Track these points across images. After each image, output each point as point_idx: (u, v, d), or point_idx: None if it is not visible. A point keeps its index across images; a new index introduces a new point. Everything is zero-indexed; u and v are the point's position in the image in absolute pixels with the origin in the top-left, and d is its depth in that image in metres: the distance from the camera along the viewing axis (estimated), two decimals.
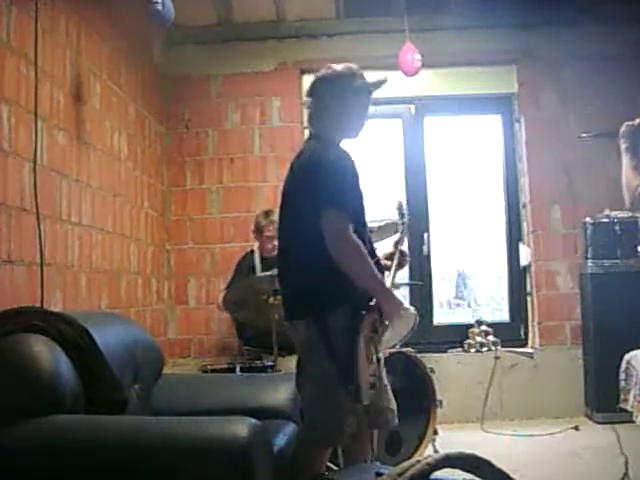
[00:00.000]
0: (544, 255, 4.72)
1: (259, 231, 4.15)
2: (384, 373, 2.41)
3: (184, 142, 4.83)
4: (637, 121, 2.41)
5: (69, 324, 2.02)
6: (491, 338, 4.62)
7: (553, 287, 4.69)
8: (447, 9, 4.60)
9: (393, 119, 4.98)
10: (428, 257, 4.89)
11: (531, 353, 4.59)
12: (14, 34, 2.65)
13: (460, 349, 4.66)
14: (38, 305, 2.65)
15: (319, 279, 2.19)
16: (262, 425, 1.77)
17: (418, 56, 4.22)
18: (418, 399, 3.40)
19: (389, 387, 2.42)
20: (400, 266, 2.56)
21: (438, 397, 3.45)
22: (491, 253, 5.53)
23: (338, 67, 2.39)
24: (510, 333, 4.81)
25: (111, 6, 3.71)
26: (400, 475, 1.45)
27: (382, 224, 3.08)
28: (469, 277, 6.20)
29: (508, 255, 4.96)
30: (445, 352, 4.62)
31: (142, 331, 2.78)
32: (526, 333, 4.84)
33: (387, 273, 2.48)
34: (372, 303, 2.21)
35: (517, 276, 4.91)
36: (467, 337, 4.67)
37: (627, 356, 3.09)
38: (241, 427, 1.70)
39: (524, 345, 4.77)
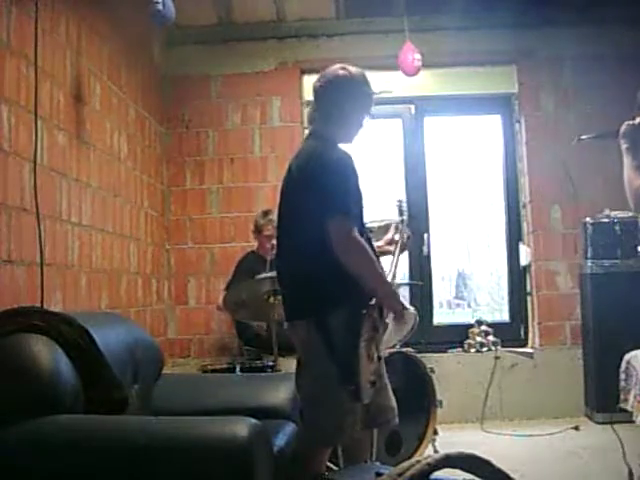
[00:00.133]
0: (544, 255, 4.72)
1: (258, 231, 4.15)
2: (385, 372, 2.41)
3: (184, 142, 4.83)
4: (637, 120, 2.40)
5: (69, 324, 2.02)
6: (491, 338, 4.62)
7: (553, 287, 4.69)
8: (447, 9, 4.59)
9: (393, 119, 4.98)
10: (428, 257, 4.89)
11: (531, 353, 4.59)
12: (14, 34, 2.65)
13: (460, 349, 4.67)
14: (38, 305, 2.65)
15: (319, 279, 2.19)
16: (262, 425, 1.77)
17: (418, 56, 4.22)
18: (418, 399, 3.39)
19: (389, 386, 2.42)
20: (403, 249, 2.57)
21: (438, 397, 3.45)
22: (491, 253, 5.54)
23: (352, 70, 2.39)
24: (510, 333, 4.81)
25: (111, 6, 3.71)
26: (400, 475, 1.45)
27: (382, 224, 3.08)
28: (469, 277, 6.20)
29: (508, 255, 4.96)
30: (445, 352, 4.62)
31: (142, 331, 2.78)
32: (526, 333, 4.84)
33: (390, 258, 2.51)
34: (372, 302, 2.22)
35: (517, 276, 4.91)
36: (467, 337, 4.67)
37: (627, 356, 3.09)
38: (241, 427, 1.70)
39: (524, 345, 4.77)
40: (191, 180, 4.82)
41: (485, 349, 4.59)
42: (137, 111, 4.18)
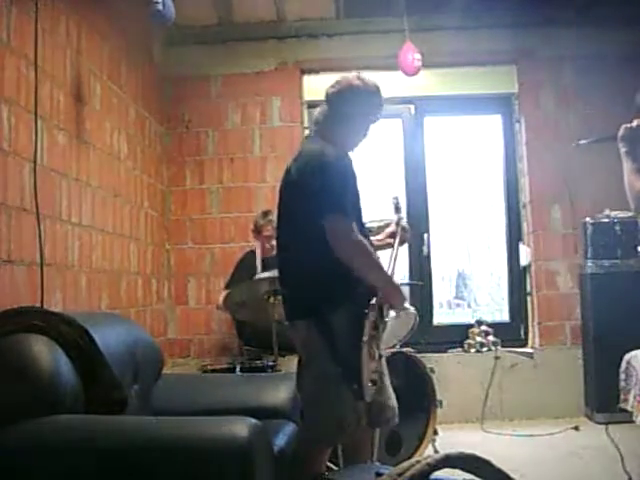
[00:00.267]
0: (544, 255, 4.72)
1: (257, 231, 4.16)
2: (386, 371, 2.42)
3: (184, 142, 4.83)
4: (635, 123, 2.39)
5: (69, 324, 2.02)
6: (491, 338, 4.62)
7: (553, 287, 4.69)
8: (447, 9, 4.59)
9: (393, 119, 4.98)
10: (428, 257, 4.89)
11: (531, 353, 4.59)
12: (14, 34, 2.65)
13: (460, 349, 4.67)
14: (38, 305, 2.65)
15: (319, 279, 2.19)
16: (262, 425, 1.77)
17: (418, 56, 4.22)
18: (418, 399, 3.39)
19: (389, 385, 2.43)
20: (402, 242, 2.58)
21: (438, 397, 3.45)
22: (491, 253, 5.54)
23: (367, 80, 2.42)
24: (510, 333, 4.81)
25: (111, 6, 3.71)
26: (400, 475, 1.45)
27: (382, 224, 3.08)
28: (469, 277, 6.21)
29: (508, 255, 4.96)
30: (445, 352, 4.62)
31: (142, 331, 2.78)
32: (526, 333, 4.84)
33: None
34: (373, 302, 2.22)
35: (517, 276, 4.91)
36: (467, 337, 4.67)
37: (627, 356, 3.09)
38: (241, 427, 1.70)
39: (524, 345, 4.77)
40: (191, 180, 4.82)
41: (485, 349, 4.59)
42: (137, 111, 4.18)
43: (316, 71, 4.85)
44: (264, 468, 1.74)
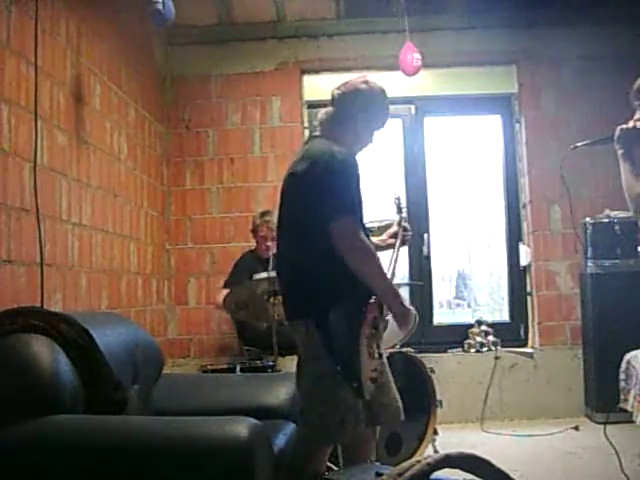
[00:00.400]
0: (544, 255, 4.72)
1: (254, 231, 4.16)
2: (387, 369, 2.42)
3: (184, 142, 4.83)
4: (631, 124, 2.38)
5: (69, 324, 2.02)
6: (491, 338, 4.62)
7: (553, 287, 4.69)
8: (447, 9, 4.60)
9: (393, 119, 4.97)
10: (428, 257, 4.89)
11: (531, 353, 4.59)
12: (14, 34, 2.65)
13: (460, 349, 4.67)
14: (38, 305, 2.65)
15: (318, 278, 2.19)
16: (262, 425, 1.77)
17: (418, 56, 4.22)
18: (418, 399, 3.40)
19: (393, 384, 2.42)
20: (403, 243, 2.59)
21: (438, 397, 3.45)
22: (491, 253, 5.54)
23: (374, 85, 2.42)
24: (510, 333, 4.82)
25: (111, 6, 3.71)
26: (400, 475, 1.45)
27: (382, 224, 3.08)
28: (469, 277, 6.20)
29: (508, 255, 4.96)
30: (445, 352, 4.62)
31: (142, 331, 2.77)
32: (526, 333, 4.84)
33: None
34: (372, 300, 2.22)
35: (517, 276, 4.91)
36: (467, 337, 4.67)
37: (627, 356, 3.09)
38: (241, 427, 1.70)
39: (524, 345, 4.77)
40: (191, 180, 4.82)
41: (485, 349, 4.59)
42: (137, 111, 4.18)
43: (316, 71, 4.86)
44: (264, 468, 1.74)
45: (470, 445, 3.69)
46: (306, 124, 4.88)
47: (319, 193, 2.18)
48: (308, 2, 4.66)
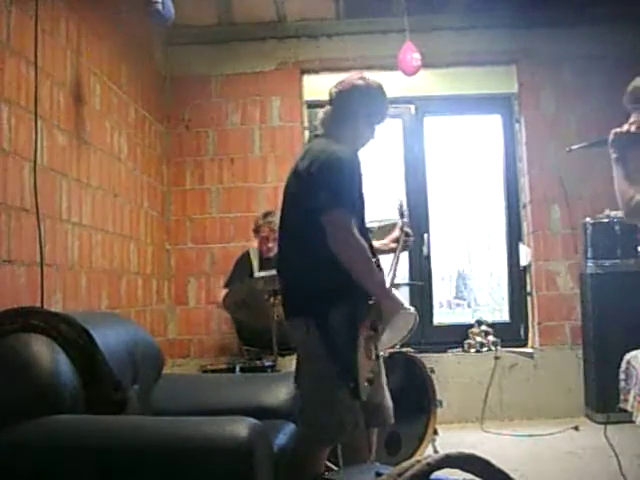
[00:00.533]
0: (544, 255, 4.72)
1: (256, 231, 4.17)
2: (383, 371, 2.42)
3: (184, 142, 4.83)
4: (625, 128, 2.37)
5: (69, 324, 2.02)
6: (491, 338, 4.62)
7: (553, 287, 4.69)
8: (447, 9, 4.60)
9: (393, 119, 4.98)
10: (428, 257, 4.89)
11: (531, 353, 4.59)
12: (14, 34, 2.65)
13: (460, 349, 4.67)
14: (38, 305, 2.65)
15: (319, 277, 2.19)
16: (262, 425, 1.77)
17: (417, 55, 4.22)
18: (418, 399, 3.40)
19: (385, 385, 2.43)
20: (405, 248, 2.59)
21: (438, 397, 3.45)
22: (491, 253, 5.54)
23: (370, 80, 2.43)
24: (510, 333, 4.81)
25: (111, 6, 3.71)
26: (400, 475, 1.45)
27: (382, 224, 3.08)
28: (469, 277, 6.21)
29: (508, 255, 4.96)
30: (445, 352, 4.62)
31: (142, 331, 2.78)
32: (526, 333, 4.84)
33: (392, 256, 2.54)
34: (371, 301, 2.22)
35: (517, 276, 4.91)
36: (467, 337, 4.67)
37: (627, 356, 3.09)
38: (241, 427, 1.70)
39: (524, 345, 4.77)
40: (191, 180, 4.82)
41: (485, 349, 4.59)
42: (137, 111, 4.18)
43: (316, 71, 4.86)
44: (264, 468, 1.74)
45: (470, 445, 3.69)
46: (306, 124, 4.88)
47: (317, 190, 2.18)
48: (308, 2, 4.66)
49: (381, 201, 3.92)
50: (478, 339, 4.62)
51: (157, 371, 2.69)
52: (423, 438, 3.37)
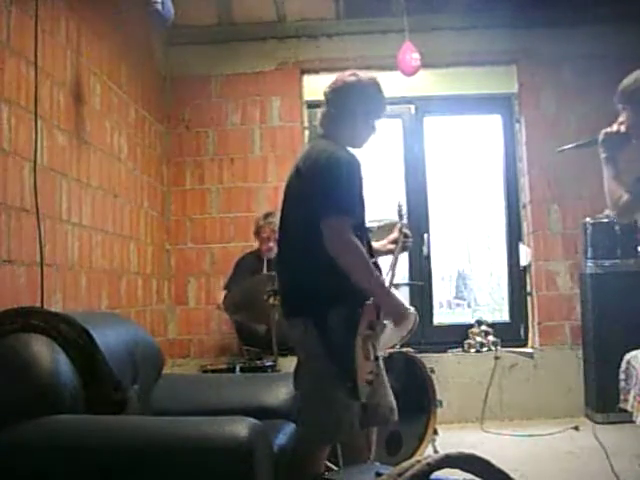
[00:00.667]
0: (544, 255, 4.72)
1: (257, 233, 4.17)
2: (384, 371, 2.41)
3: (184, 142, 4.83)
4: (614, 128, 2.37)
5: (69, 324, 2.02)
6: (491, 338, 4.62)
7: (553, 287, 4.69)
8: (447, 9, 4.60)
9: (393, 119, 4.98)
10: (428, 257, 4.89)
11: (531, 353, 4.59)
12: (14, 34, 2.65)
13: (460, 349, 4.66)
14: (38, 305, 2.65)
15: (318, 278, 2.19)
16: (262, 425, 1.77)
17: (416, 55, 4.22)
18: (418, 399, 3.40)
19: (388, 385, 2.42)
20: (403, 249, 2.58)
21: (438, 397, 3.45)
22: (491, 253, 5.54)
23: (362, 75, 2.41)
24: (510, 333, 4.81)
25: (111, 6, 3.71)
26: (400, 475, 1.45)
27: (382, 224, 3.08)
28: (469, 277, 6.21)
29: (508, 255, 4.96)
30: (445, 352, 4.62)
31: (142, 331, 2.78)
32: (526, 333, 4.84)
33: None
34: (369, 302, 2.22)
35: (517, 276, 4.91)
36: (467, 337, 4.67)
37: (627, 356, 3.09)
38: (241, 427, 1.70)
39: (524, 345, 4.77)
40: (191, 180, 4.82)
41: (485, 349, 4.59)
42: (137, 111, 4.18)
43: (316, 71, 4.85)
44: (264, 468, 1.74)
45: (470, 445, 3.69)
46: (306, 124, 4.88)
47: (316, 192, 2.19)
48: (308, 2, 4.66)
49: (381, 201, 3.92)
50: (478, 339, 4.62)
51: (157, 371, 2.69)
52: (423, 438, 3.37)
